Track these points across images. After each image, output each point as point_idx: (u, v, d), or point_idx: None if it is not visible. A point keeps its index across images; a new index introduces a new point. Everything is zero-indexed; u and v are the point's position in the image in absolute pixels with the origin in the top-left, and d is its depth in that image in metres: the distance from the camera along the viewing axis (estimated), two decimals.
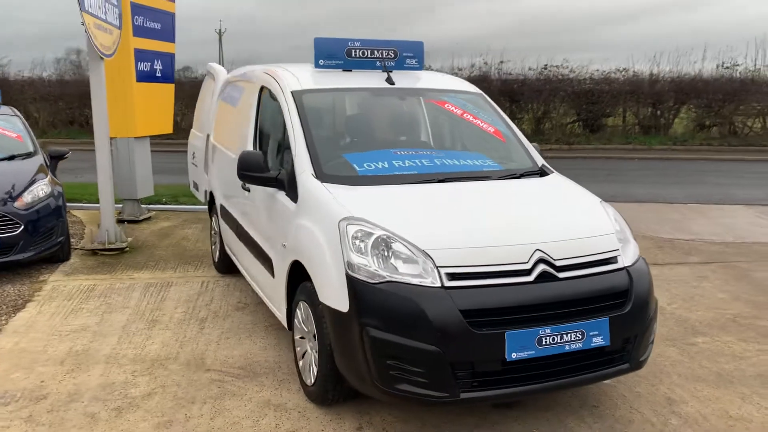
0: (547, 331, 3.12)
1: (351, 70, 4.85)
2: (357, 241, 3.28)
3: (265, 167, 4.15)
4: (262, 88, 4.94)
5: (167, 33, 9.23)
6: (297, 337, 3.95)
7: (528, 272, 3.21)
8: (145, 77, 8.55)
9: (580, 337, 3.20)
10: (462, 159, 4.28)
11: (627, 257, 3.53)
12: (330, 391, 3.55)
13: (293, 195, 3.95)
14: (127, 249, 7.17)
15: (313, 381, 3.65)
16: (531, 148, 4.61)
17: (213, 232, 6.53)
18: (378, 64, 4.86)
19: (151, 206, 9.33)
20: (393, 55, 4.85)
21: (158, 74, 9.00)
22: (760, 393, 3.93)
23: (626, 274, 3.44)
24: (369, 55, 4.83)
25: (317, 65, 4.79)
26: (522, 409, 3.66)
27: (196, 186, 7.32)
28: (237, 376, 4.13)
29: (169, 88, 9.37)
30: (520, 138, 4.66)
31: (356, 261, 3.23)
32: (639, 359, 3.46)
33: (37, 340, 4.70)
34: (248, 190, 4.76)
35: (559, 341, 3.15)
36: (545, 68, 20.02)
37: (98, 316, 5.16)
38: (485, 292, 3.11)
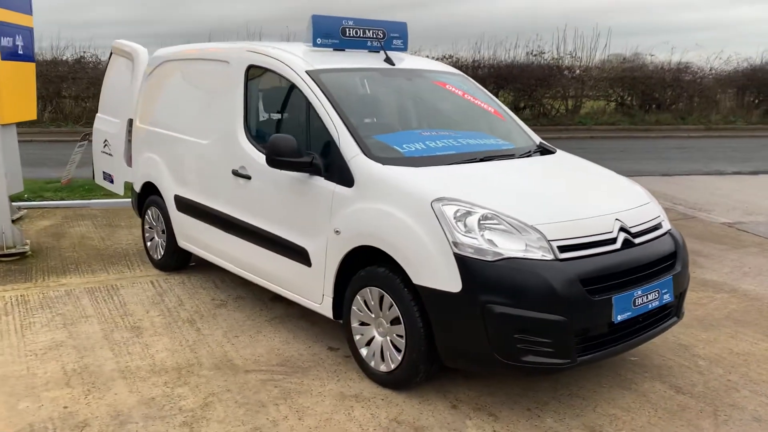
0: (639, 292, 3.41)
1: (344, 50, 4.74)
2: (460, 221, 3.29)
3: (300, 152, 3.93)
4: (249, 68, 4.62)
5: (24, 2, 8.05)
6: (355, 324, 3.83)
7: (614, 240, 3.47)
8: (9, 55, 7.40)
9: (657, 295, 3.53)
10: (480, 139, 4.41)
11: (666, 222, 3.94)
12: (421, 373, 3.52)
13: (344, 179, 3.80)
14: (29, 253, 6.26)
15: (394, 366, 3.59)
16: (525, 126, 4.87)
17: (149, 227, 5.95)
18: (369, 44, 4.79)
19: (20, 203, 8.16)
20: (382, 36, 4.82)
21: (20, 51, 7.84)
22: (740, 331, 4.60)
23: (671, 237, 3.85)
24: (361, 35, 4.75)
25: (315, 44, 4.60)
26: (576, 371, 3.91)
27: (109, 177, 6.57)
28: (284, 373, 3.90)
29: (31, 68, 8.20)
30: (514, 117, 4.89)
31: (465, 241, 3.24)
32: (682, 312, 3.90)
33: (9, 363, 4.00)
34: (248, 177, 4.46)
35: (645, 301, 3.45)
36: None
37: (63, 330, 4.51)
38: (592, 261, 3.31)
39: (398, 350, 3.57)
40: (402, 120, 4.49)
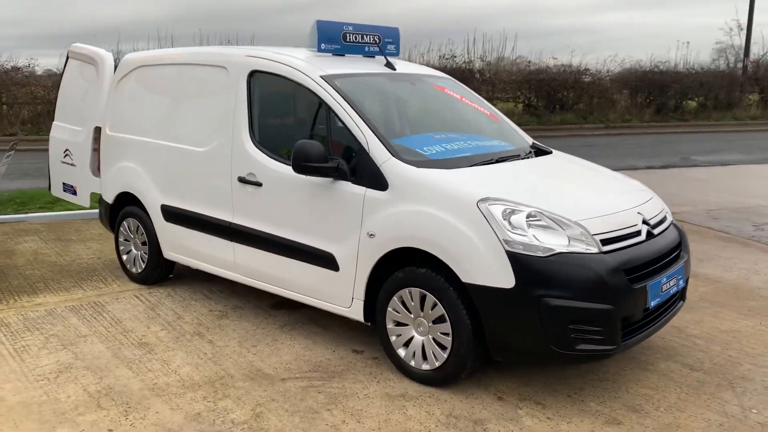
0: (664, 279, 3.69)
1: (344, 55, 4.78)
2: (508, 220, 3.44)
3: (327, 157, 3.94)
4: (252, 74, 4.56)
5: None
6: (391, 326, 3.89)
7: (639, 233, 3.73)
8: None
9: (676, 281, 3.84)
10: (484, 141, 4.58)
11: (669, 214, 4.27)
12: (468, 368, 3.64)
13: (376, 183, 3.85)
14: None
15: (439, 363, 3.68)
16: (517, 127, 5.10)
17: (124, 239, 5.70)
18: (367, 48, 4.86)
19: None
20: (377, 41, 4.90)
21: None
22: (719, 311, 5.04)
23: (675, 227, 4.18)
24: (360, 40, 4.81)
25: (320, 49, 4.61)
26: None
27: (70, 189, 6.22)
28: (321, 379, 3.90)
29: None
30: (505, 119, 5.11)
31: (515, 238, 3.39)
32: (686, 296, 4.24)
33: (22, 390, 3.76)
34: (258, 184, 4.40)
35: (669, 287, 3.75)
36: None
37: (65, 351, 4.27)
38: (627, 252, 3.55)
39: (443, 348, 3.67)
40: (413, 123, 4.59)
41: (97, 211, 6.26)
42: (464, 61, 21.31)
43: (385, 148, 3.89)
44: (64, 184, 6.28)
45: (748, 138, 19.30)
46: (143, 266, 5.54)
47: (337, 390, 3.76)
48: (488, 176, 3.93)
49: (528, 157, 4.51)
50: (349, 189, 3.96)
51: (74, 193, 6.20)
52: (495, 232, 3.42)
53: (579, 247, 3.42)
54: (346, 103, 4.08)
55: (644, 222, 3.80)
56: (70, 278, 5.77)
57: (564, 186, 4.07)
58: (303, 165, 3.93)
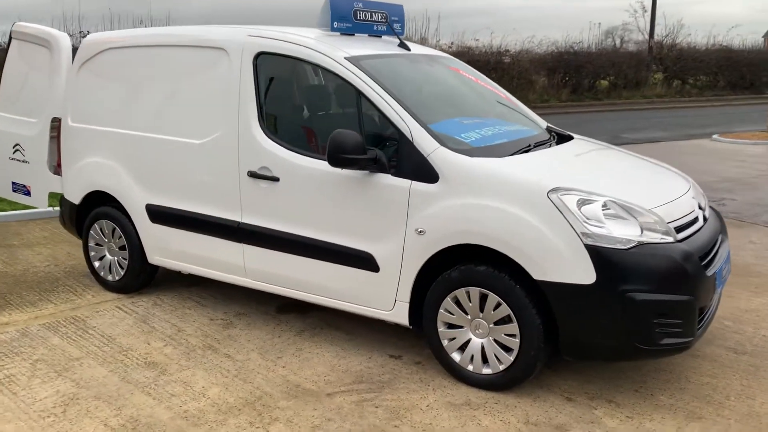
0: (722, 264, 3.60)
1: (353, 35, 4.40)
2: (583, 211, 3.22)
3: (365, 148, 3.58)
4: (258, 56, 4.10)
5: None
6: (442, 329, 3.61)
7: (697, 219, 3.62)
8: None
9: (728, 266, 3.76)
10: (511, 126, 4.35)
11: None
12: (537, 370, 3.42)
13: (424, 175, 3.53)
14: None
15: (504, 367, 3.44)
16: (529, 110, 4.90)
17: (95, 244, 5.09)
18: (375, 27, 4.50)
19: None
20: (384, 20, 4.55)
21: None
22: (731, 291, 5.06)
23: (714, 211, 4.11)
24: (369, 18, 4.44)
25: (333, 28, 4.21)
26: None
27: (23, 189, 5.48)
28: (370, 391, 3.56)
29: None
30: (518, 101, 4.90)
31: (594, 230, 3.18)
32: None
33: (27, 429, 3.21)
34: (274, 179, 3.98)
35: (725, 272, 3.66)
36: None
37: (62, 379, 3.71)
38: (695, 239, 3.42)
39: (507, 350, 3.43)
40: (440, 108, 4.25)
41: (35, 210, 5.55)
42: None
43: (431, 137, 3.57)
44: (13, 183, 5.53)
45: (659, 115, 20.21)
46: (122, 273, 4.95)
47: (394, 402, 3.44)
48: (543, 164, 3.69)
49: (562, 143, 4.30)
50: (391, 182, 3.62)
51: (27, 193, 5.48)
52: (570, 224, 3.19)
53: (654, 237, 3.25)
54: (380, 87, 3.71)
55: (699, 207, 3.70)
56: (31, 291, 5.09)
57: (617, 173, 3.90)
58: (341, 158, 3.54)
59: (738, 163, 11.06)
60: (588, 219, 3.20)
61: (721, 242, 3.79)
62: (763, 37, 52.38)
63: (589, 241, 3.17)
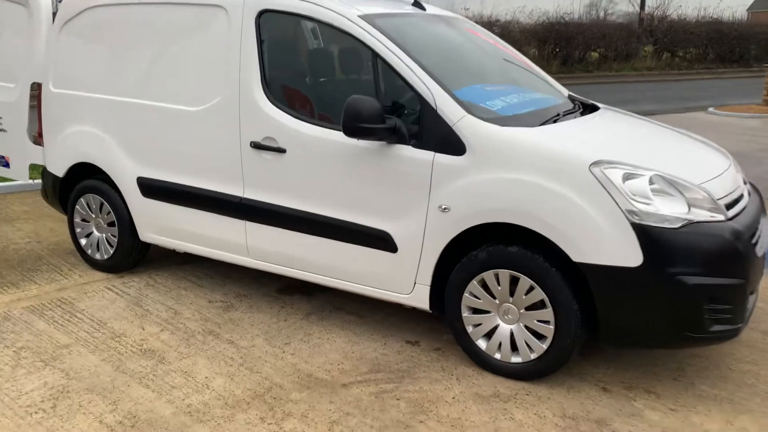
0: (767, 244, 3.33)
1: None
2: (628, 186, 2.93)
3: (384, 116, 3.25)
4: (261, 14, 3.72)
5: None
6: (467, 314, 3.33)
7: (743, 195, 3.34)
8: None
9: None
10: (535, 94, 4.04)
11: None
12: (570, 358, 3.15)
13: (448, 146, 3.21)
14: None
15: (536, 355, 3.17)
16: (549, 77, 4.58)
17: (81, 219, 4.72)
18: None
19: None
20: None
21: None
22: None
23: (752, 186, 3.84)
24: None
25: None
26: None
27: (1, 160, 5.08)
28: (389, 381, 3.28)
29: None
30: (537, 67, 4.57)
31: (641, 208, 2.89)
32: None
33: (14, 429, 2.89)
34: (280, 150, 3.64)
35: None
36: None
37: (50, 369, 3.39)
38: (743, 217, 3.14)
39: (540, 337, 3.16)
40: (462, 73, 3.90)
41: (14, 183, 5.15)
42: None
43: (457, 104, 3.24)
44: None
45: (651, 88, 19.99)
46: (111, 251, 4.60)
47: (417, 394, 3.16)
48: (579, 135, 3.39)
49: (589, 112, 3.98)
50: (411, 154, 3.30)
51: (6, 165, 5.08)
52: (615, 201, 2.90)
53: (703, 215, 2.97)
54: (398, 48, 3.37)
55: (744, 182, 3.43)
56: (12, 270, 4.73)
57: (656, 146, 3.60)
58: (359, 127, 3.21)
59: (737, 137, 10.84)
60: (634, 195, 2.91)
61: (762, 221, 3.52)
62: (747, 10, 52.23)
63: (636, 220, 2.88)
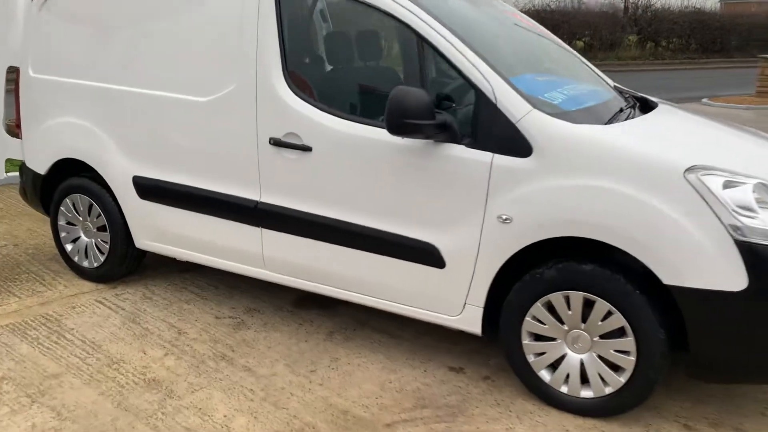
0: None
1: None
2: (729, 196, 2.50)
3: (434, 111, 2.77)
4: None
5: None
6: (528, 341, 2.88)
7: None
8: None
9: None
10: (587, 86, 3.59)
11: None
12: (650, 394, 2.73)
13: (511, 146, 2.76)
14: None
15: (612, 390, 2.75)
16: (594, 67, 4.14)
17: (66, 222, 4.18)
18: None
19: None
20: None
21: None
22: None
23: None
24: None
25: None
26: None
27: None
28: (439, 420, 2.83)
29: None
30: (581, 57, 4.13)
31: (747, 222, 2.46)
32: None
33: None
34: (305, 149, 3.15)
35: None
36: None
37: (39, 406, 2.88)
38: None
39: (616, 369, 2.73)
40: (511, 61, 3.42)
41: None
42: None
43: (521, 97, 2.78)
44: None
45: (637, 78, 19.71)
46: (102, 259, 4.07)
47: None
48: (658, 135, 2.96)
49: (650, 110, 3.53)
50: (464, 155, 2.83)
51: None
52: (716, 213, 2.47)
53: None
54: (448, 31, 2.89)
55: None
56: None
57: (742, 149, 3.18)
58: (406, 123, 2.73)
59: None
60: (737, 207, 2.48)
61: None
62: (719, 1, 52.52)
63: (740, 236, 2.45)
